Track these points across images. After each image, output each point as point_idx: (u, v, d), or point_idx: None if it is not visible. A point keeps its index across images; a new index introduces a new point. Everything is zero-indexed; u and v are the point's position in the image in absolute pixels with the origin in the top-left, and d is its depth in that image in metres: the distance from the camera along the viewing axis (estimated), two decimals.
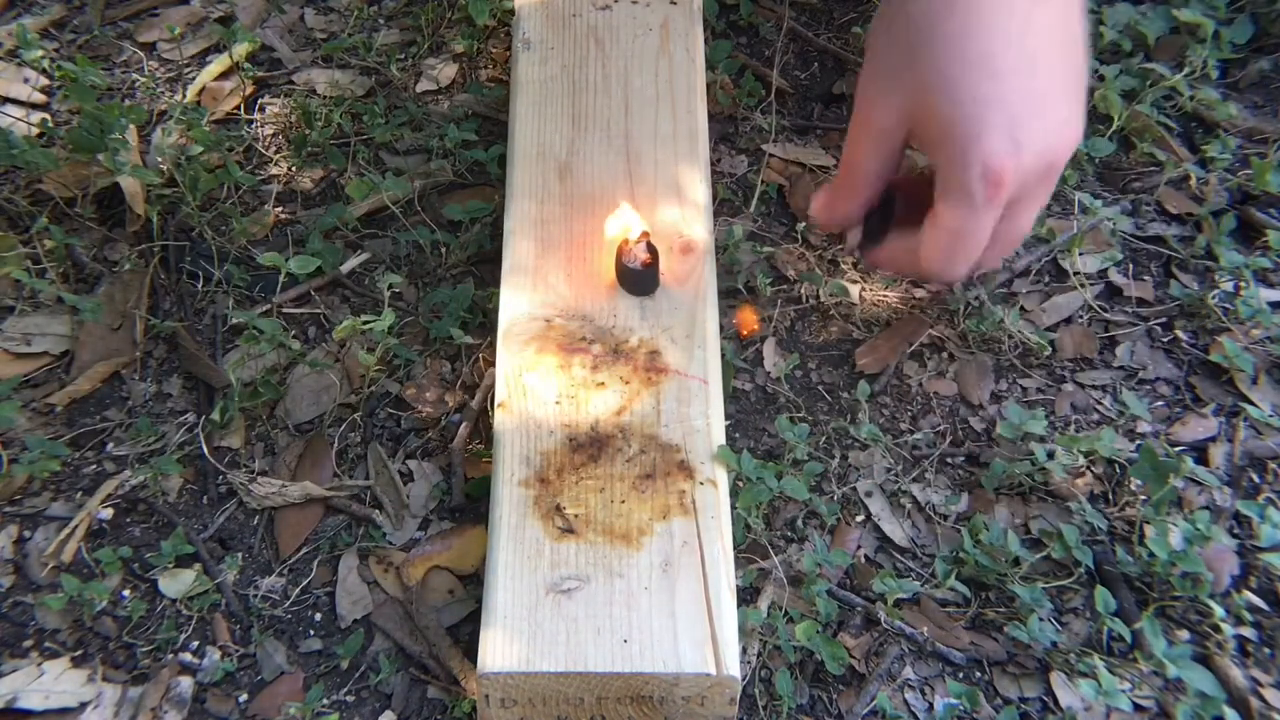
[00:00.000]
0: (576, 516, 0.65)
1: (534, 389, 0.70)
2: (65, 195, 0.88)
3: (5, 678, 0.67)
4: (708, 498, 0.66)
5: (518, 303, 0.74)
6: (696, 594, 0.62)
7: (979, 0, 0.57)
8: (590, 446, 0.68)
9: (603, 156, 0.81)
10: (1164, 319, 0.83)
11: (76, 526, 0.73)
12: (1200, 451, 0.77)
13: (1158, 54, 0.96)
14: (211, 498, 0.75)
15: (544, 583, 0.62)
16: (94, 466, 0.76)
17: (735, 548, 0.71)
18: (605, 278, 0.75)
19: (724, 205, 0.89)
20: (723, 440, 0.69)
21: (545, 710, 0.61)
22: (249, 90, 0.96)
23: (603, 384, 0.70)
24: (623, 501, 0.66)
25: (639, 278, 0.74)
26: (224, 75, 0.98)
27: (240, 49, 0.96)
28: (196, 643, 0.69)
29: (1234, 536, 0.73)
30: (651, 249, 0.74)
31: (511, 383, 0.70)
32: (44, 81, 0.97)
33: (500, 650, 0.60)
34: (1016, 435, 0.75)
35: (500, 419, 0.69)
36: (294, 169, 0.92)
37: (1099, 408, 0.79)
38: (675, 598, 0.62)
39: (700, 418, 0.69)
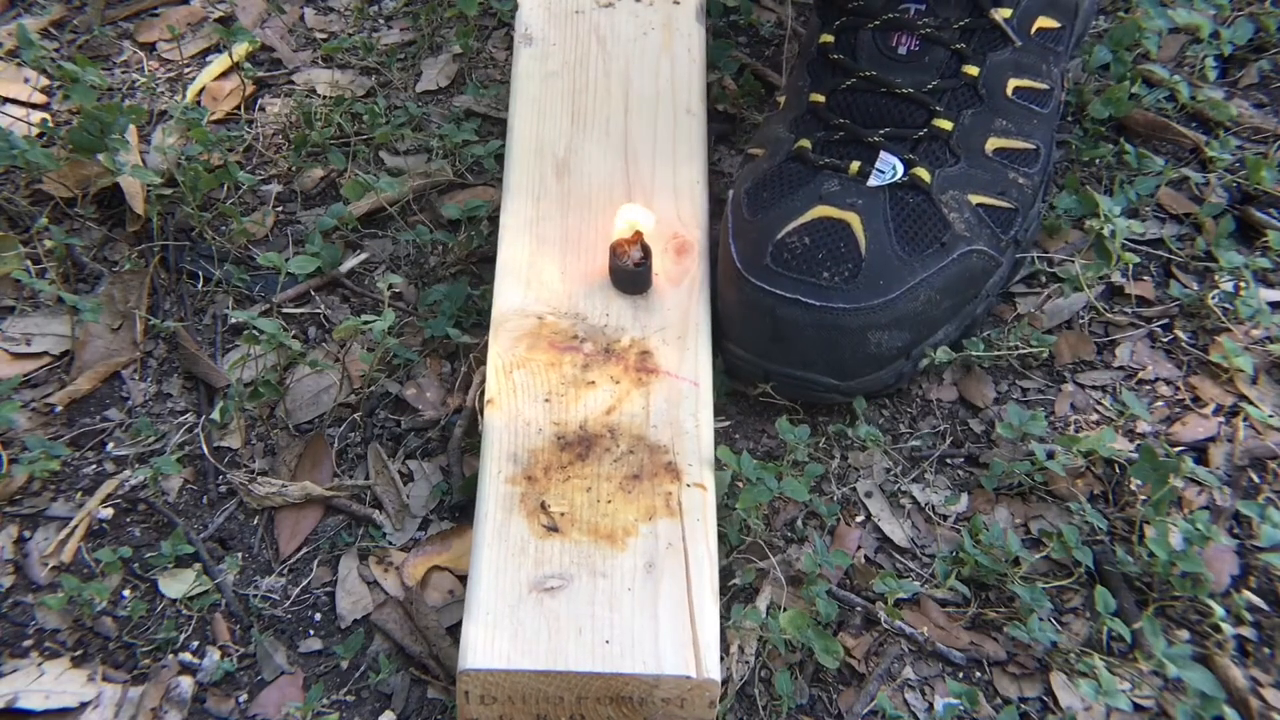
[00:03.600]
0: (562, 515, 0.65)
1: (524, 386, 0.70)
2: (65, 195, 0.88)
3: (5, 678, 0.67)
4: (694, 500, 0.66)
5: (510, 299, 0.74)
6: (679, 596, 0.62)
7: None
8: (578, 445, 0.68)
9: (601, 155, 0.81)
10: (1164, 319, 0.83)
11: (76, 526, 0.73)
12: (1200, 451, 0.77)
13: (1158, 54, 0.96)
14: (211, 498, 0.75)
15: (527, 580, 0.62)
16: (94, 466, 0.76)
17: (735, 548, 0.71)
18: (599, 276, 0.75)
19: (723, 206, 0.89)
20: (711, 443, 0.69)
21: (525, 708, 0.61)
22: (249, 90, 0.96)
23: (593, 383, 0.70)
24: (609, 501, 0.66)
25: (631, 277, 0.74)
26: (224, 75, 0.98)
27: (240, 49, 0.96)
28: (196, 643, 0.69)
29: (1234, 536, 0.73)
30: (645, 248, 0.74)
31: (501, 379, 0.70)
32: (44, 81, 0.97)
33: (481, 647, 0.60)
34: (1016, 436, 0.75)
35: (489, 415, 0.69)
36: (294, 169, 0.92)
37: (1099, 408, 0.79)
38: (658, 599, 0.62)
39: (690, 419, 0.69)
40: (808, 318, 0.72)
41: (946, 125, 0.78)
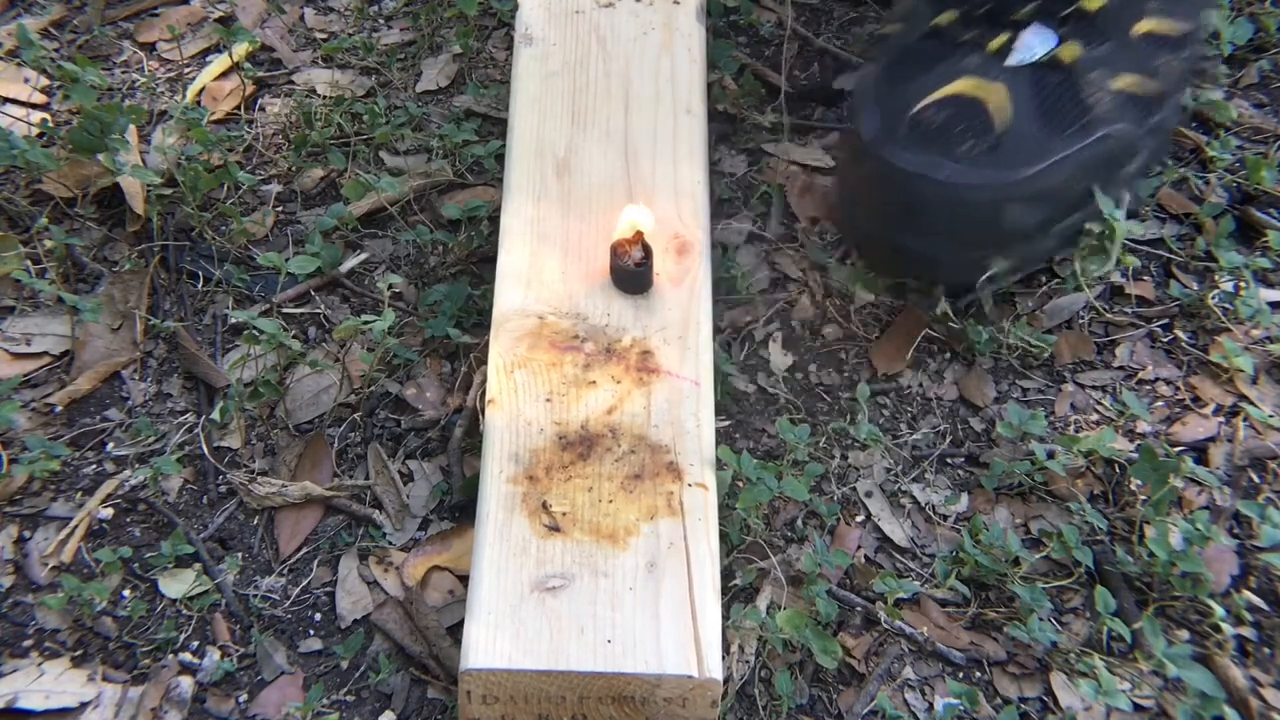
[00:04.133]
0: (564, 515, 0.65)
1: (525, 386, 0.70)
2: (65, 195, 0.88)
3: (5, 678, 0.67)
4: (696, 499, 0.66)
5: (511, 299, 0.74)
6: (681, 595, 0.62)
7: None
8: (580, 445, 0.68)
9: (601, 155, 0.81)
10: (1164, 319, 0.83)
11: (76, 526, 0.73)
12: (1200, 451, 0.77)
13: None
14: (211, 498, 0.75)
15: (529, 580, 0.62)
16: (94, 466, 0.76)
17: (735, 548, 0.71)
18: (600, 276, 0.75)
19: (724, 205, 0.89)
20: (713, 443, 0.69)
21: (527, 708, 0.61)
22: (249, 90, 0.96)
23: (594, 383, 0.70)
24: (610, 501, 0.66)
25: (632, 277, 0.74)
26: (224, 75, 0.98)
27: (240, 49, 0.96)
28: (196, 643, 0.69)
29: (1234, 536, 0.73)
30: (646, 248, 0.74)
31: (502, 379, 0.70)
32: (44, 81, 0.97)
33: (483, 646, 0.60)
34: (1016, 435, 0.75)
35: (490, 415, 0.69)
36: (294, 169, 0.92)
37: (1099, 408, 0.79)
38: (660, 599, 0.62)
39: (691, 419, 0.69)
40: (943, 192, 0.71)
41: (1096, 4, 0.75)
